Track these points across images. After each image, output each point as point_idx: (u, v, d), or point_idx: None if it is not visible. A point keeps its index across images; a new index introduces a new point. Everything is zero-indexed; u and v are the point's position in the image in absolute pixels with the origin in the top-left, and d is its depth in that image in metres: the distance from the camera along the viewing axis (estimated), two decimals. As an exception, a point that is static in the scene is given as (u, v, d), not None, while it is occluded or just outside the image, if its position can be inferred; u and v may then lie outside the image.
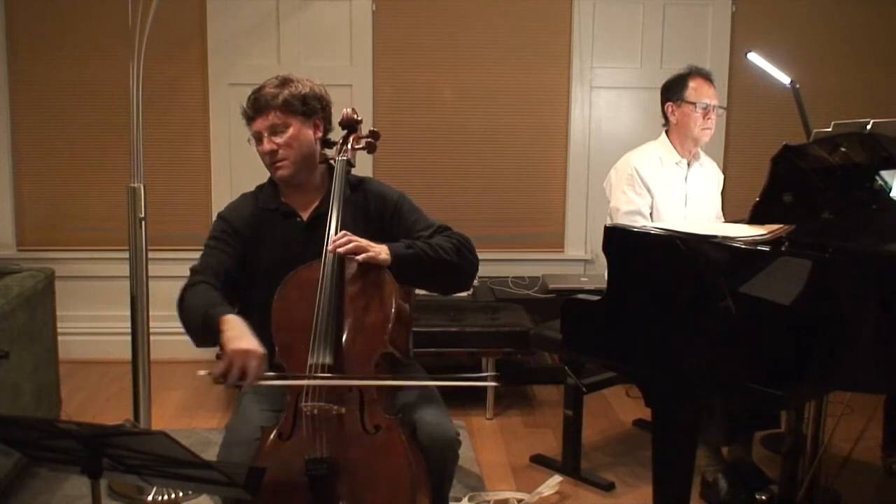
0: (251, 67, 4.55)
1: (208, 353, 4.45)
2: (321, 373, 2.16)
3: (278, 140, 2.41)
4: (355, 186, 2.51)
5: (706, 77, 3.41)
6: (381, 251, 2.30)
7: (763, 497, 2.94)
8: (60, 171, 4.65)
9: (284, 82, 2.44)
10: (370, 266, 2.30)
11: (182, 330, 2.31)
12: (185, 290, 2.33)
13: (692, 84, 3.38)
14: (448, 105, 4.71)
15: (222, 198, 4.55)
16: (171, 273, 4.41)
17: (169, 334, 4.48)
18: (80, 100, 4.58)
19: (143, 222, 3.16)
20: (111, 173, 4.51)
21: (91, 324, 4.66)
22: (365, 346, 2.25)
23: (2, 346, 2.82)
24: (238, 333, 2.14)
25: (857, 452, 3.18)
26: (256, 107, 2.42)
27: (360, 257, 2.27)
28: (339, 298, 2.27)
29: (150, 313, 3.25)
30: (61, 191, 4.67)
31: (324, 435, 2.12)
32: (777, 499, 2.93)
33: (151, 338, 3.25)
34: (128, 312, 3.21)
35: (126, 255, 3.21)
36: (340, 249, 2.27)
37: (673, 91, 3.42)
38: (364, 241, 2.29)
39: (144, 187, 3.16)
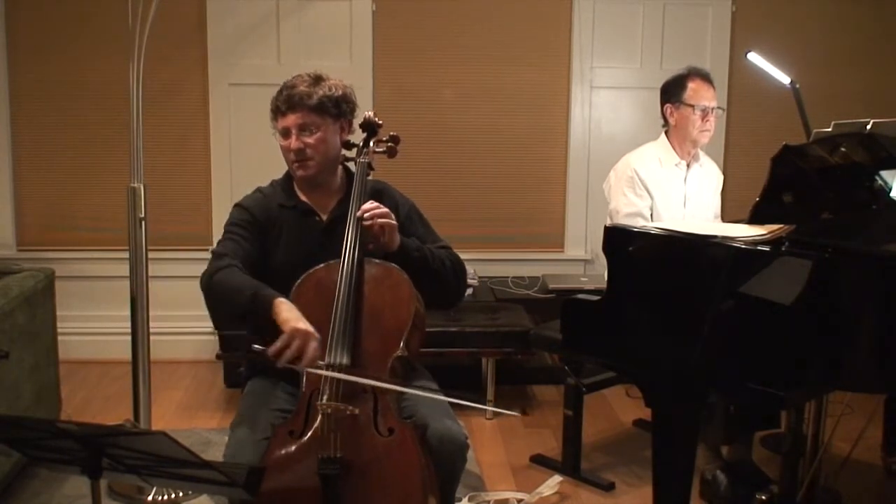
0: (251, 67, 4.56)
1: (209, 353, 4.48)
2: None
3: (308, 139, 2.42)
4: (372, 191, 2.52)
5: (705, 78, 3.40)
6: (396, 237, 2.38)
7: (763, 497, 2.94)
8: (60, 171, 4.65)
9: (317, 80, 2.44)
10: (389, 267, 2.34)
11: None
12: (216, 270, 2.29)
13: (691, 86, 3.38)
14: (448, 105, 4.71)
15: (222, 198, 4.58)
16: (171, 273, 4.45)
17: (169, 334, 4.52)
18: (80, 100, 4.58)
19: (143, 222, 3.16)
20: (111, 173, 4.51)
21: (91, 324, 4.66)
22: (381, 349, 2.26)
23: (2, 346, 2.82)
24: (297, 315, 2.15)
25: (857, 452, 3.19)
26: (290, 103, 2.41)
27: (379, 222, 2.32)
28: (357, 298, 2.28)
29: (150, 313, 3.24)
30: (61, 191, 4.67)
31: (338, 435, 2.12)
32: (777, 499, 2.93)
33: (151, 338, 3.24)
34: (128, 312, 3.21)
35: (126, 255, 3.20)
36: (375, 213, 2.32)
37: (671, 93, 3.42)
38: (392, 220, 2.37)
39: (144, 187, 3.16)
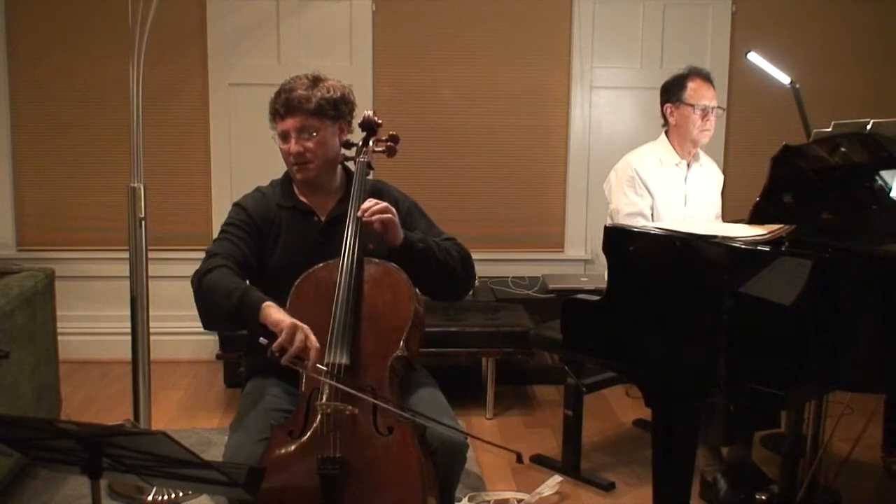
0: (251, 67, 4.56)
1: (209, 353, 4.48)
2: (336, 372, 2.16)
3: (307, 143, 2.41)
4: (372, 190, 2.51)
5: (705, 78, 3.40)
6: (399, 232, 2.36)
7: (763, 497, 2.94)
8: (60, 171, 4.65)
9: (315, 82, 2.43)
10: (388, 267, 2.33)
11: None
12: (207, 271, 2.29)
13: (691, 85, 3.37)
14: (448, 105, 4.71)
15: (222, 198, 4.58)
16: (171, 273, 4.45)
17: (169, 334, 4.52)
18: (80, 100, 4.58)
19: (143, 222, 3.15)
20: (111, 173, 4.52)
21: (91, 324, 4.66)
22: (381, 348, 2.25)
23: (2, 346, 2.82)
24: (288, 315, 2.15)
25: (857, 452, 3.18)
26: (289, 107, 2.40)
27: (380, 218, 2.31)
28: (357, 298, 2.27)
29: (150, 313, 3.24)
30: (61, 191, 4.67)
31: (337, 434, 2.11)
32: (777, 499, 2.93)
33: (151, 338, 3.24)
34: (128, 312, 3.21)
35: (126, 255, 3.20)
36: (374, 210, 2.31)
37: (672, 92, 3.42)
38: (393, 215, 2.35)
39: (144, 187, 3.16)
